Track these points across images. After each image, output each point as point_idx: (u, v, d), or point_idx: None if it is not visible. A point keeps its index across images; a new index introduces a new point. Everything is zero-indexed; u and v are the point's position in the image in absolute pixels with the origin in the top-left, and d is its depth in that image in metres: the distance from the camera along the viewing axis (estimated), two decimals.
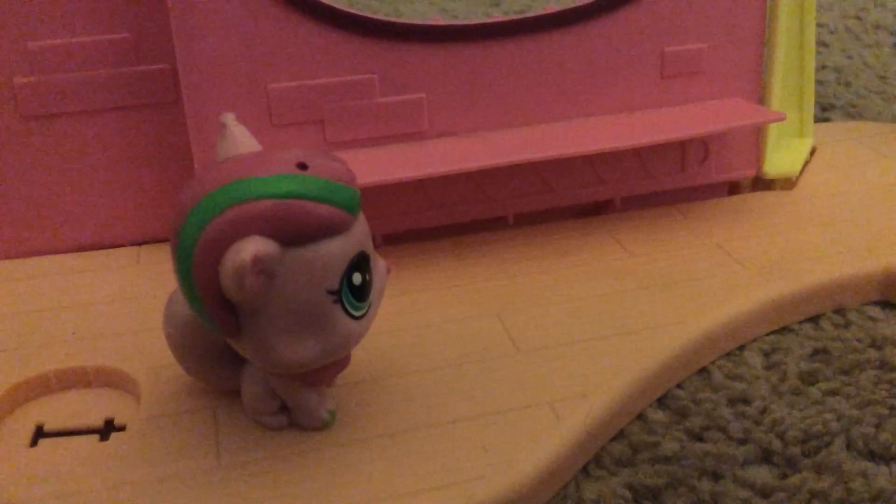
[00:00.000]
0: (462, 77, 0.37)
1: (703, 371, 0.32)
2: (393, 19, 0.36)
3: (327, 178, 0.24)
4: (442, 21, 0.36)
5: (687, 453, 0.28)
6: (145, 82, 0.37)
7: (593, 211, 0.41)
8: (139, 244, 0.39)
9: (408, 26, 0.36)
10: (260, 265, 0.22)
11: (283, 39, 0.34)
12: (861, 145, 0.47)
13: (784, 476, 0.28)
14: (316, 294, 0.24)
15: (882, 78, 0.61)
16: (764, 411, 0.30)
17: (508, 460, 0.26)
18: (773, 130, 0.42)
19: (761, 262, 0.36)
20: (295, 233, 0.23)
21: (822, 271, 0.35)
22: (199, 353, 0.27)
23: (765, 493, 0.27)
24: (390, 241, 0.38)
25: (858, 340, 0.34)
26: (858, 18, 0.73)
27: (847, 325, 0.35)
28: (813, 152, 0.46)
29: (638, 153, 0.40)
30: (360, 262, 0.25)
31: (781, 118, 0.38)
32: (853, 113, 0.55)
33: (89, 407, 0.29)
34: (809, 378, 0.32)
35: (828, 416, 0.30)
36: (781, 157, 0.44)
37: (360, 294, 0.25)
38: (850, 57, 0.65)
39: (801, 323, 0.35)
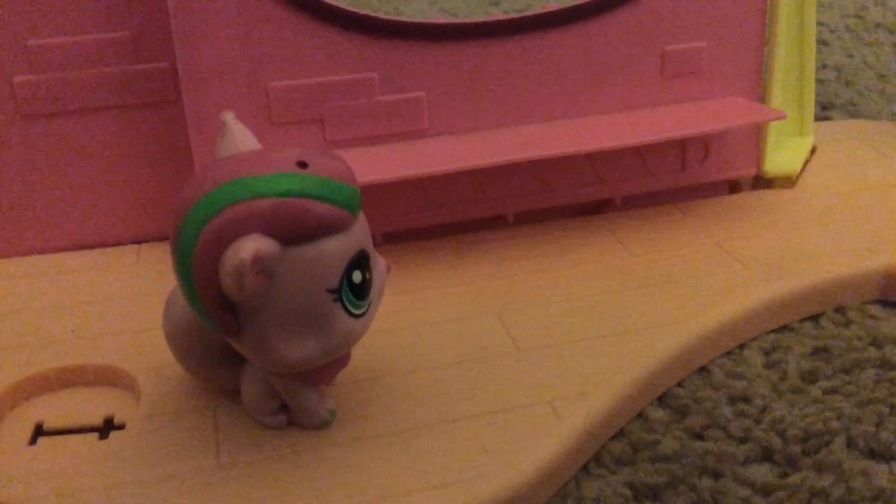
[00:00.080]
0: (462, 76, 0.37)
1: (704, 370, 0.32)
2: (393, 18, 0.36)
3: (327, 177, 0.24)
4: (442, 20, 0.36)
5: (687, 452, 0.28)
6: (145, 81, 0.37)
7: (593, 210, 0.41)
8: (139, 243, 0.39)
9: (408, 25, 0.36)
10: (260, 264, 0.22)
11: (283, 38, 0.34)
12: (861, 144, 0.47)
13: (784, 475, 0.28)
14: (316, 293, 0.24)
15: (882, 77, 0.61)
16: (764, 410, 0.30)
17: (508, 459, 0.26)
18: (774, 129, 0.42)
19: (761, 260, 0.36)
20: (295, 231, 0.23)
21: (823, 270, 0.35)
22: (199, 352, 0.27)
23: (765, 491, 0.27)
24: (390, 239, 0.38)
25: (859, 339, 0.34)
26: (859, 17, 0.73)
27: (847, 323, 0.35)
28: (813, 151, 0.46)
29: (638, 152, 0.40)
30: (360, 261, 0.25)
31: (782, 117, 0.38)
32: (853, 112, 0.55)
33: (89, 405, 0.29)
34: (810, 377, 0.32)
35: (828, 414, 0.29)
36: (782, 156, 0.44)
37: (361, 293, 0.25)
38: (850, 56, 0.65)
39: (801, 321, 0.35)
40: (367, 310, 0.25)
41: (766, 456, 0.28)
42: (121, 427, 0.28)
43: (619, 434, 0.29)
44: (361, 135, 0.36)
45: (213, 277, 0.23)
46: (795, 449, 0.28)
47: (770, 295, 0.34)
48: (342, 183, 0.24)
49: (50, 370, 0.30)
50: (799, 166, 0.43)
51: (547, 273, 0.36)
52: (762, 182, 0.43)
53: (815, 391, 0.31)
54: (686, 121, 0.38)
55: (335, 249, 0.24)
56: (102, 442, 0.27)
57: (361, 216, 0.25)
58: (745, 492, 0.27)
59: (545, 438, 0.27)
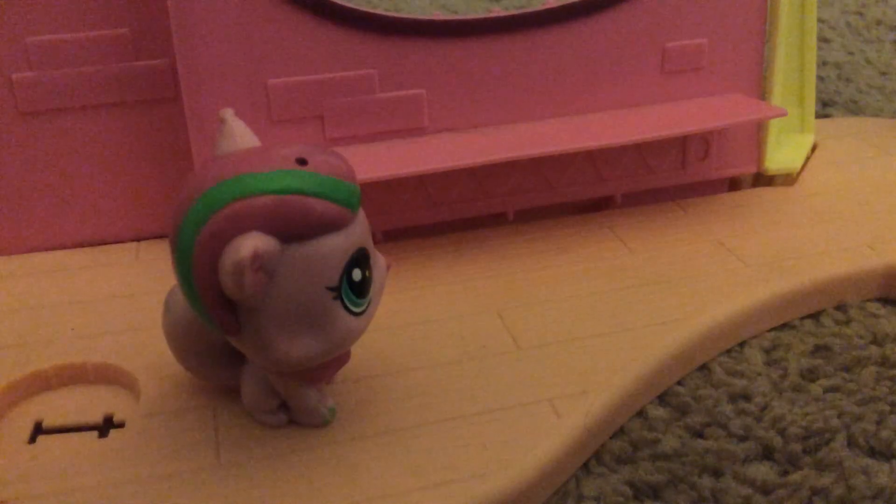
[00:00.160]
0: (462, 73, 0.37)
1: (704, 368, 0.32)
2: (393, 15, 0.35)
3: (327, 174, 0.24)
4: (442, 17, 0.36)
5: (687, 450, 0.28)
6: (144, 78, 0.37)
7: (594, 207, 0.41)
8: (138, 241, 0.39)
9: (407, 22, 0.35)
10: (259, 262, 0.22)
11: (283, 35, 0.34)
12: (862, 141, 0.47)
13: (785, 473, 0.27)
14: (315, 291, 0.24)
15: (883, 74, 0.61)
16: (765, 408, 0.30)
17: (508, 457, 0.26)
18: (774, 126, 0.42)
19: (762, 258, 0.36)
20: (294, 229, 0.23)
21: (823, 268, 0.35)
22: (199, 351, 0.27)
23: (765, 490, 0.27)
24: (390, 237, 0.38)
25: (860, 337, 0.34)
26: (859, 14, 0.73)
27: (848, 321, 0.35)
28: (814, 148, 0.46)
29: (638, 149, 0.40)
30: (360, 259, 0.24)
31: (782, 114, 0.38)
32: (854, 109, 0.55)
33: (88, 404, 0.29)
34: (810, 375, 0.32)
35: (829, 412, 0.29)
36: (782, 154, 0.44)
37: (360, 291, 0.25)
38: (851, 53, 0.65)
39: (801, 319, 0.35)
40: (367, 308, 0.25)
41: (767, 454, 0.28)
42: (120, 425, 0.28)
43: (620, 432, 0.29)
44: (361, 132, 0.36)
45: (212, 275, 0.23)
46: (796, 447, 0.28)
47: (770, 293, 0.34)
48: (342, 180, 0.24)
49: (49, 368, 0.30)
50: (800, 164, 0.43)
51: (547, 271, 0.36)
52: (763, 180, 0.43)
53: (815, 389, 0.31)
54: (686, 118, 0.38)
55: (335, 247, 0.24)
56: (102, 440, 0.27)
57: (361, 214, 0.25)
58: (745, 490, 0.27)
59: (545, 437, 0.27)
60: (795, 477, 0.27)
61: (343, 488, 0.25)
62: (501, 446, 0.26)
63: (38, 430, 0.28)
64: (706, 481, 0.27)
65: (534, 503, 0.26)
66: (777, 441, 0.28)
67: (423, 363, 0.30)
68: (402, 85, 0.36)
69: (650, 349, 0.30)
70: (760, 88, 0.41)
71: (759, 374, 0.32)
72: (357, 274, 0.24)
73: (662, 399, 0.31)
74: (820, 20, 0.70)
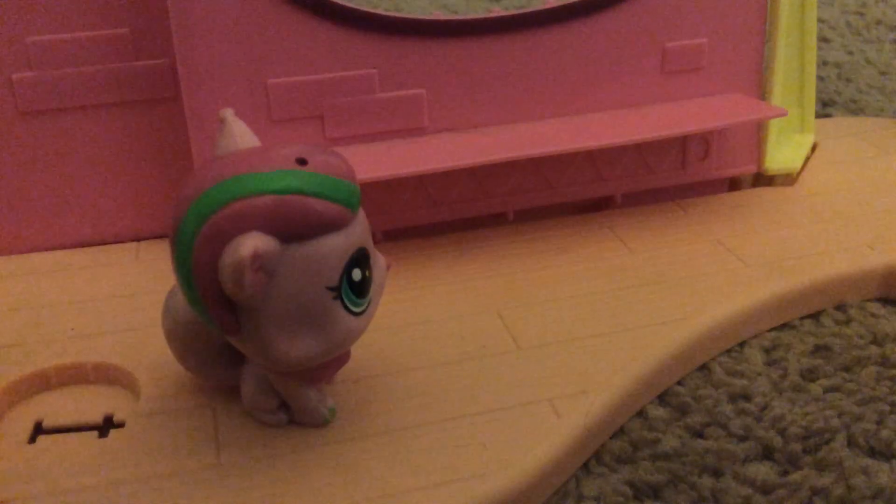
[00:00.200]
0: (462, 73, 0.37)
1: (704, 368, 0.32)
2: (393, 14, 0.35)
3: (327, 174, 0.24)
4: (442, 16, 0.36)
5: (687, 450, 0.28)
6: (144, 78, 0.37)
7: (594, 207, 0.41)
8: (138, 240, 0.39)
9: (408, 21, 0.35)
10: (259, 262, 0.22)
11: (283, 35, 0.34)
12: (862, 141, 0.47)
13: (785, 473, 0.27)
14: (315, 291, 0.24)
15: (883, 74, 0.61)
16: (765, 408, 0.30)
17: (508, 457, 0.26)
18: (774, 126, 0.42)
19: (762, 258, 0.36)
20: (294, 229, 0.23)
21: (823, 267, 0.35)
22: (198, 350, 0.27)
23: (765, 489, 0.27)
24: (390, 237, 0.38)
25: (860, 337, 0.34)
26: (860, 14, 0.73)
27: (848, 321, 0.35)
28: (814, 148, 0.46)
29: (638, 149, 0.40)
30: (360, 259, 0.24)
31: (782, 114, 0.38)
32: (854, 109, 0.55)
33: (88, 404, 0.29)
34: (810, 375, 0.32)
35: (829, 412, 0.29)
36: (782, 153, 0.44)
37: (360, 290, 0.25)
38: (851, 53, 0.65)
39: (801, 319, 0.35)
40: (367, 308, 0.25)
41: (767, 454, 0.28)
42: (120, 425, 0.28)
43: (620, 432, 0.29)
44: (361, 132, 0.36)
45: (212, 275, 0.23)
46: (796, 447, 0.28)
47: (770, 293, 0.34)
48: (342, 180, 0.24)
49: (49, 368, 0.30)
50: (800, 164, 0.43)
51: (547, 271, 0.36)
52: (763, 179, 0.43)
53: (815, 389, 0.31)
54: (686, 118, 0.38)
55: (335, 247, 0.24)
56: (102, 440, 0.27)
57: (361, 214, 0.25)
58: (745, 490, 0.27)
59: (545, 437, 0.27)
60: (795, 477, 0.27)
61: (343, 488, 0.25)
62: (501, 446, 0.26)
63: (38, 430, 0.28)
64: (706, 481, 0.27)
65: (534, 503, 0.26)
66: (777, 441, 0.28)
67: (423, 363, 0.30)
68: (402, 85, 0.36)
69: (650, 349, 0.30)
70: (760, 88, 0.41)
71: (759, 374, 0.32)
72: (357, 274, 0.24)
73: (662, 399, 0.31)
74: (820, 20, 0.70)
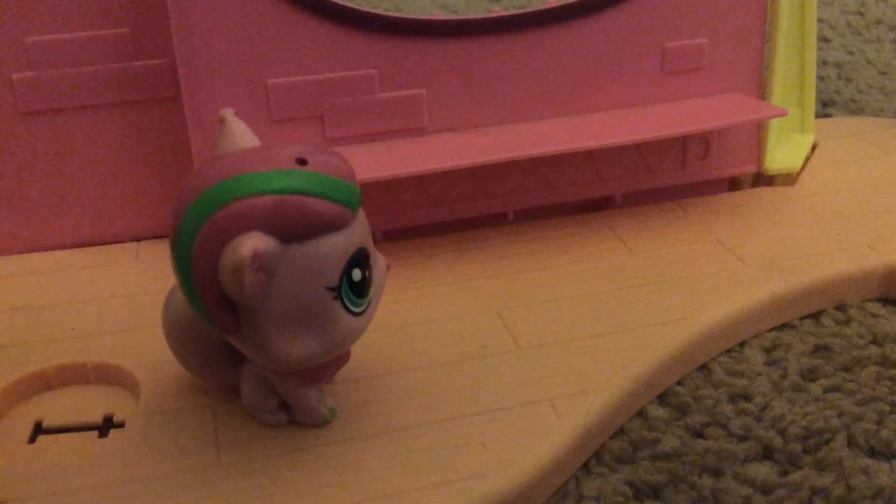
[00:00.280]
0: (462, 73, 0.37)
1: (704, 368, 0.32)
2: (393, 14, 0.35)
3: (327, 174, 0.24)
4: (442, 16, 0.36)
5: (687, 450, 0.28)
6: (144, 78, 0.37)
7: (594, 207, 0.41)
8: (138, 240, 0.39)
9: (408, 21, 0.35)
10: (259, 262, 0.22)
11: (283, 35, 0.34)
12: (862, 141, 0.47)
13: (785, 473, 0.27)
14: (315, 291, 0.24)
15: (883, 74, 0.61)
16: (765, 408, 0.30)
17: (508, 457, 0.26)
18: (774, 126, 0.42)
19: (762, 258, 0.36)
20: (294, 229, 0.23)
21: (823, 267, 0.35)
22: (198, 350, 0.27)
23: (765, 489, 0.27)
24: (390, 237, 0.38)
25: (859, 337, 0.34)
26: (860, 14, 0.73)
27: (848, 321, 0.35)
28: (814, 148, 0.46)
29: (639, 149, 0.40)
30: (360, 259, 0.24)
31: (783, 114, 0.38)
32: (854, 109, 0.55)
33: (88, 403, 0.29)
34: (810, 375, 0.32)
35: (829, 412, 0.29)
36: (782, 153, 0.44)
37: (360, 290, 0.25)
38: (851, 52, 0.65)
39: (801, 319, 0.35)
40: (367, 308, 0.25)
41: (767, 454, 0.28)
42: (120, 425, 0.28)
43: (620, 432, 0.29)
44: (361, 132, 0.36)
45: (212, 275, 0.23)
46: (796, 447, 0.28)
47: (770, 293, 0.34)
48: (342, 180, 0.24)
49: (49, 368, 0.30)
50: (800, 163, 0.43)
51: (547, 271, 0.36)
52: (763, 179, 0.43)
53: (815, 389, 0.31)
54: (687, 118, 0.38)
55: (335, 247, 0.24)
56: (102, 440, 0.27)
57: (361, 214, 0.25)
58: (745, 490, 0.27)
59: (545, 437, 0.27)
60: (795, 477, 0.27)
61: (343, 488, 0.25)
62: (501, 446, 0.26)
63: (38, 430, 0.28)
64: (706, 481, 0.27)
65: (534, 503, 0.26)
66: (777, 441, 0.28)
67: (423, 363, 0.30)
68: (403, 85, 0.36)
69: (650, 349, 0.30)
70: (760, 88, 0.41)
71: (759, 374, 0.32)
72: (357, 274, 0.24)
73: (662, 399, 0.31)
74: (820, 20, 0.70)
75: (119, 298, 0.34)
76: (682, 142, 0.40)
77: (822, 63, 0.63)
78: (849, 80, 0.60)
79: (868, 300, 0.36)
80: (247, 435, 0.27)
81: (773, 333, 0.34)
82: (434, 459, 0.26)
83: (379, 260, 0.26)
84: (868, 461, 0.28)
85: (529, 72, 0.37)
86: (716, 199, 0.42)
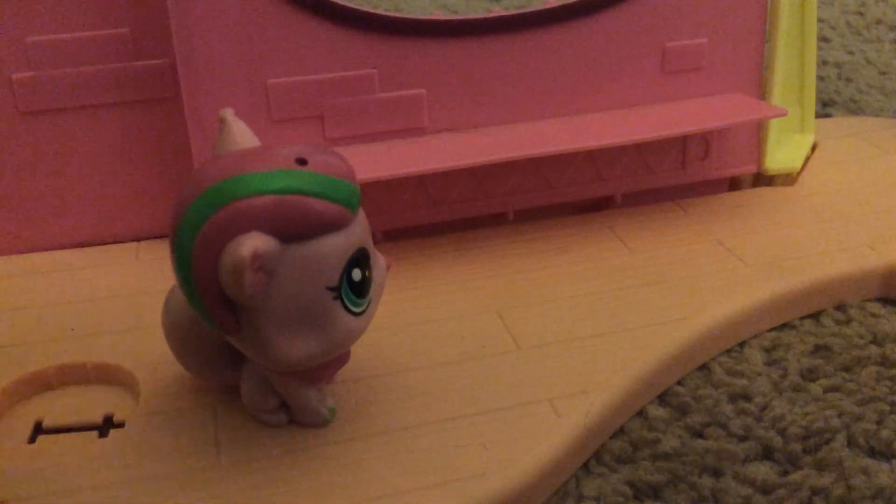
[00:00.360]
0: (462, 73, 0.37)
1: (704, 368, 0.32)
2: (393, 14, 0.35)
3: (327, 174, 0.24)
4: (442, 16, 0.36)
5: (687, 450, 0.28)
6: (144, 78, 0.37)
7: (594, 207, 0.41)
8: (138, 240, 0.39)
9: (408, 21, 0.35)
10: (259, 262, 0.22)
11: (283, 35, 0.34)
12: (862, 141, 0.47)
13: (785, 473, 0.27)
14: (315, 291, 0.24)
15: (883, 74, 0.61)
16: (765, 408, 0.30)
17: (508, 457, 0.26)
18: (774, 126, 0.42)
19: (762, 258, 0.36)
20: (294, 229, 0.23)
21: (823, 267, 0.35)
22: (198, 350, 0.27)
23: (766, 489, 0.27)
24: (390, 237, 0.38)
25: (860, 337, 0.34)
26: (860, 14, 0.73)
27: (848, 321, 0.35)
28: (814, 148, 0.46)
29: (639, 149, 0.40)
30: (360, 259, 0.24)
31: (783, 114, 0.38)
32: (854, 109, 0.55)
33: (88, 403, 0.29)
34: (810, 375, 0.32)
35: (829, 412, 0.29)
36: (782, 153, 0.44)
37: (360, 290, 0.25)
38: (851, 52, 0.65)
39: (801, 319, 0.35)
40: (367, 308, 0.25)
41: (767, 454, 0.28)
42: (120, 425, 0.28)
43: (620, 432, 0.29)
44: (361, 132, 0.36)
45: (212, 275, 0.23)
46: (796, 447, 0.28)
47: (770, 292, 0.34)
48: (342, 180, 0.24)
49: (49, 368, 0.30)
50: (800, 163, 0.43)
51: (547, 271, 0.36)
52: (763, 179, 0.43)
53: (815, 389, 0.31)
54: (687, 118, 0.38)
55: (335, 247, 0.24)
56: (102, 440, 0.27)
57: (361, 214, 0.25)
58: (745, 490, 0.27)
59: (545, 437, 0.27)
60: (795, 477, 0.27)
61: (343, 488, 0.25)
62: (501, 446, 0.26)
63: (38, 430, 0.28)
64: (706, 481, 0.27)
65: (534, 503, 0.26)
66: (777, 441, 0.28)
67: (423, 363, 0.30)
68: (403, 85, 0.36)
69: (650, 349, 0.30)
70: (760, 88, 0.41)
71: (759, 374, 0.32)
72: (357, 274, 0.24)
73: (662, 399, 0.31)
74: (820, 20, 0.70)
75: (119, 298, 0.34)
76: (682, 142, 0.40)
77: (822, 63, 0.63)
78: (849, 80, 0.60)
79: (868, 300, 0.36)
80: (247, 435, 0.27)
81: (773, 333, 0.34)
82: (434, 459, 0.26)
83: (379, 260, 0.26)
84: (868, 461, 0.28)
85: (529, 72, 0.37)
86: (716, 199, 0.42)
